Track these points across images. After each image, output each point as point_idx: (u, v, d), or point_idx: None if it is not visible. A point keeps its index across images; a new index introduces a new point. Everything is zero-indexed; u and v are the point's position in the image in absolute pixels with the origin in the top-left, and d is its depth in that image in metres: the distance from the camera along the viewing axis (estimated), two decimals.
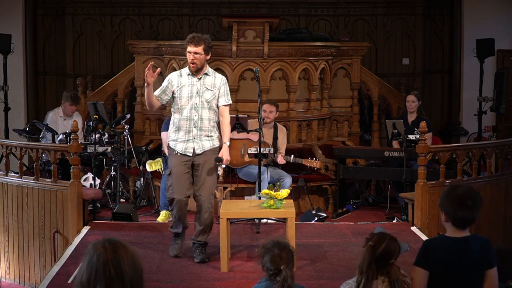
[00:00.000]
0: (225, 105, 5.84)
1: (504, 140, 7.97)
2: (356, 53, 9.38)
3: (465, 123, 11.17)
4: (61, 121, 8.74)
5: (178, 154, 5.74)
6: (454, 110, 11.41)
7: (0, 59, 9.75)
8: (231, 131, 7.47)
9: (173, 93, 5.76)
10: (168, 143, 5.86)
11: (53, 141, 8.06)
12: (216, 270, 5.54)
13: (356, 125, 9.47)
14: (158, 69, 5.84)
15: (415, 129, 7.46)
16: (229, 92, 5.90)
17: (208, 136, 5.77)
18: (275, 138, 7.87)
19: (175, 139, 5.76)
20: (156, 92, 5.79)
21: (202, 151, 5.74)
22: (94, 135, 7.80)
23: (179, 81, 5.75)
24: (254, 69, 6.72)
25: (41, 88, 11.43)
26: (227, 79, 8.47)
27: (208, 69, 5.81)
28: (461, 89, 11.31)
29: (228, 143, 5.87)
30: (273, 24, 8.67)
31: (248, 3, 11.37)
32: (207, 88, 5.73)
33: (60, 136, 8.04)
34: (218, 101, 5.80)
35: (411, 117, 8.35)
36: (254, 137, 7.44)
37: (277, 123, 8.01)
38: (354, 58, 9.38)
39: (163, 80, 9.09)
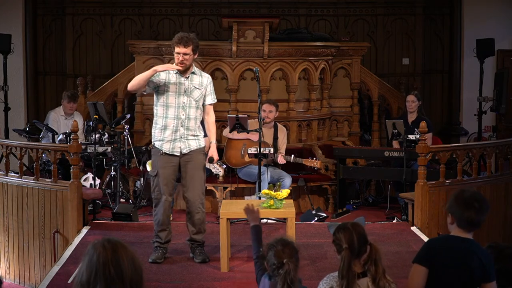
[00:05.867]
0: (210, 104, 5.83)
1: (504, 140, 7.98)
2: (356, 53, 9.38)
3: (465, 123, 11.17)
4: (62, 120, 8.79)
5: (165, 154, 5.68)
6: (454, 110, 11.41)
7: (0, 59, 9.75)
8: (231, 131, 7.52)
9: (158, 87, 5.67)
10: (153, 143, 5.76)
11: (53, 141, 8.07)
12: (216, 270, 5.54)
13: (356, 125, 9.46)
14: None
15: (415, 129, 7.46)
16: (214, 90, 5.88)
17: (194, 136, 5.72)
18: (275, 138, 7.87)
19: (161, 138, 5.68)
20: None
21: (188, 151, 5.69)
22: (94, 135, 7.81)
23: (167, 76, 5.66)
24: (254, 69, 6.72)
25: (41, 88, 11.43)
26: (227, 79, 8.59)
27: (194, 68, 5.76)
28: (461, 89, 11.30)
29: (215, 142, 5.86)
30: (273, 24, 8.67)
31: (248, 3, 11.37)
32: (195, 87, 5.69)
33: (60, 136, 8.05)
34: (204, 100, 5.78)
35: (411, 117, 8.35)
36: (254, 137, 7.44)
37: (277, 123, 8.01)
38: (354, 58, 9.37)
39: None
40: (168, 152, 5.67)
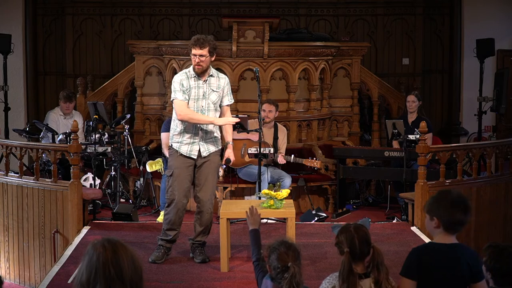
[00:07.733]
0: (228, 105, 5.84)
1: (504, 140, 7.98)
2: (356, 53, 9.38)
3: (465, 123, 11.17)
4: (62, 120, 8.79)
5: (182, 156, 5.69)
6: (454, 110, 11.41)
7: (0, 59, 9.75)
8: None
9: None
10: (171, 144, 5.78)
11: (53, 141, 8.07)
12: (216, 270, 5.54)
13: (356, 125, 9.47)
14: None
15: (415, 129, 7.46)
16: (231, 91, 5.90)
17: (212, 138, 5.76)
18: (275, 138, 7.88)
19: (179, 141, 5.69)
20: (182, 97, 5.61)
21: (208, 154, 5.72)
22: (94, 135, 7.81)
23: (188, 83, 5.65)
24: (254, 69, 6.71)
25: (41, 88, 11.43)
26: None
27: (212, 70, 5.75)
28: (461, 89, 11.31)
29: (231, 143, 5.88)
30: (273, 24, 8.67)
31: (248, 3, 11.38)
32: (213, 90, 5.69)
33: (60, 136, 8.05)
34: (221, 101, 5.79)
35: (411, 117, 8.35)
36: (254, 137, 7.44)
37: (277, 123, 8.01)
38: (354, 58, 9.38)
39: (162, 80, 9.21)
40: (185, 154, 5.68)
